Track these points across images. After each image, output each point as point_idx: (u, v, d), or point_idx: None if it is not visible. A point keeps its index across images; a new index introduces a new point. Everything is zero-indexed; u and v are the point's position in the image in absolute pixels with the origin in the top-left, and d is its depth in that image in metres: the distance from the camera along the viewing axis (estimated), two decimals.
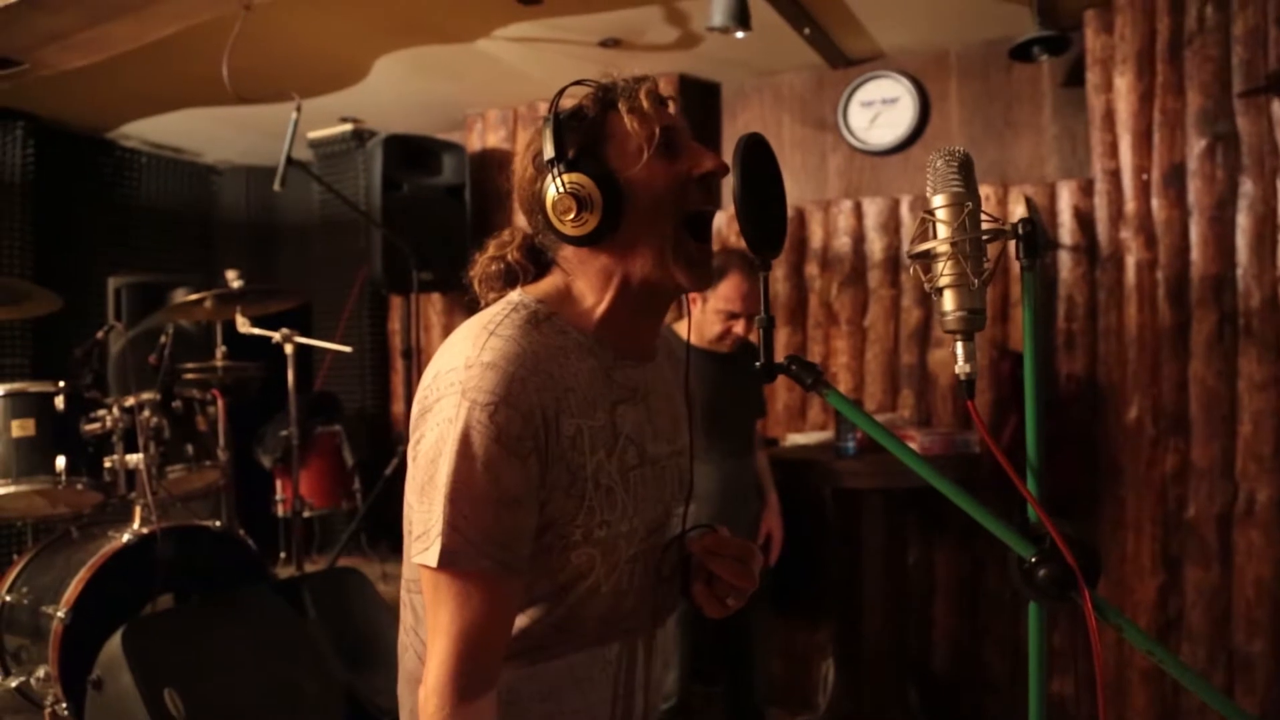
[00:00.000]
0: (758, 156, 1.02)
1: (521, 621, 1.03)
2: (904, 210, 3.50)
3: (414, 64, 3.67)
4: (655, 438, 1.12)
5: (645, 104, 1.05)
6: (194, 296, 3.11)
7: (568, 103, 1.09)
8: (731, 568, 1.12)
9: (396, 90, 3.99)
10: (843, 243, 3.59)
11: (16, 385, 2.72)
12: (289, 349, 3.13)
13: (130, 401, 2.77)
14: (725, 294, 2.56)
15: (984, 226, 0.96)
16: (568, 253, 1.08)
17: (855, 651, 3.23)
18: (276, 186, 3.16)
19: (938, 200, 0.97)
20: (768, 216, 1.03)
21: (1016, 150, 3.47)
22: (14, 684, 2.62)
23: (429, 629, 0.98)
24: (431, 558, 0.94)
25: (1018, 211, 3.27)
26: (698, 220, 1.08)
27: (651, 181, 1.04)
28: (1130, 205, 3.04)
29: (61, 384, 2.73)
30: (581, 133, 1.05)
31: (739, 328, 2.59)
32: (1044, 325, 3.22)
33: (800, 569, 3.32)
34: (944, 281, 0.96)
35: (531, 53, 3.53)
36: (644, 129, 1.04)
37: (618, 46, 3.46)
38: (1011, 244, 0.97)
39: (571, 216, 1.02)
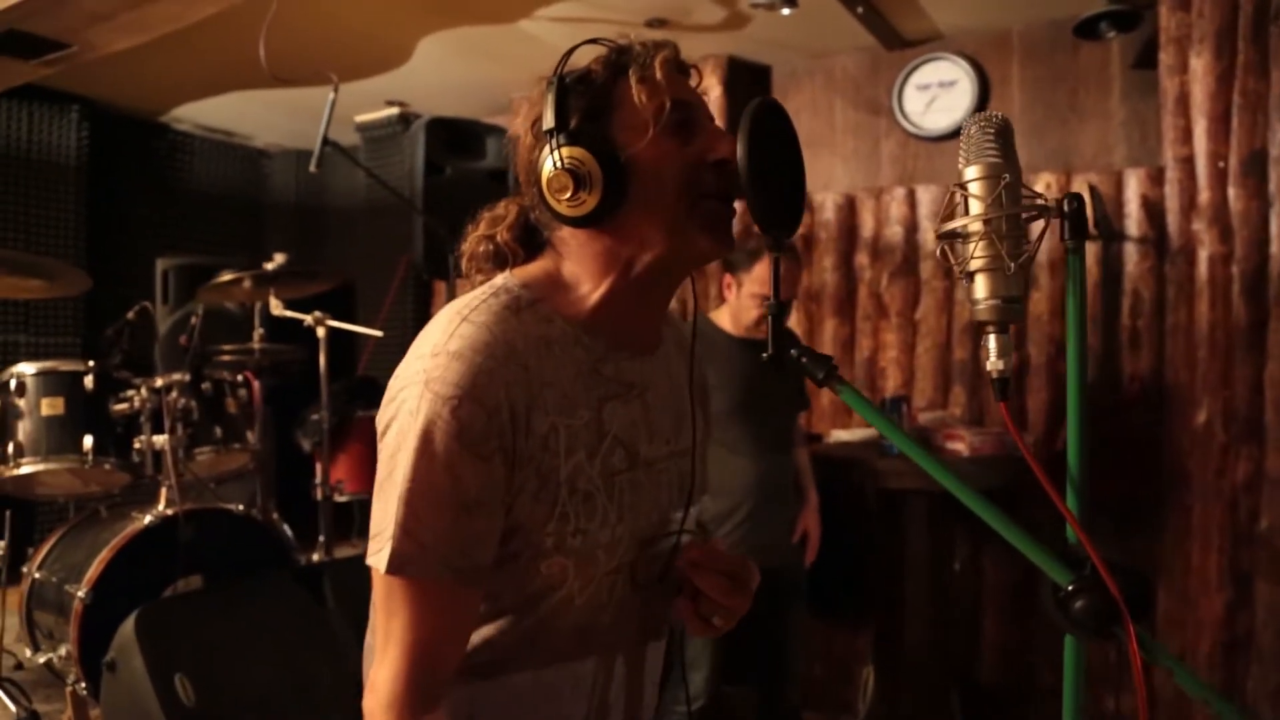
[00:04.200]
0: (768, 122, 0.90)
1: (486, 632, 0.94)
2: None
3: (457, 45, 3.61)
4: (652, 438, 1.01)
5: (658, 73, 0.93)
6: (229, 277, 3.09)
7: (577, 65, 0.97)
8: (718, 584, 0.99)
9: (440, 72, 3.93)
10: (895, 232, 3.43)
11: (47, 364, 2.72)
12: (321, 332, 3.09)
13: (159, 382, 2.75)
14: (760, 277, 2.45)
15: (1023, 202, 0.84)
16: (565, 233, 0.97)
17: (896, 657, 3.09)
18: (312, 168, 3.10)
19: (970, 172, 0.85)
20: (778, 189, 0.91)
21: (1082, 136, 3.28)
22: (42, 660, 2.64)
23: (379, 635, 0.90)
24: (381, 561, 0.86)
25: None
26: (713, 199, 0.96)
27: (657, 163, 0.92)
28: (1204, 195, 2.84)
29: (91, 363, 2.73)
30: (587, 99, 0.94)
31: None
32: (1109, 321, 3.03)
33: (840, 570, 3.19)
34: (975, 265, 0.84)
35: (575, 33, 3.40)
36: (652, 102, 0.92)
37: (664, 27, 3.35)
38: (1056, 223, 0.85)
39: (568, 196, 0.91)
